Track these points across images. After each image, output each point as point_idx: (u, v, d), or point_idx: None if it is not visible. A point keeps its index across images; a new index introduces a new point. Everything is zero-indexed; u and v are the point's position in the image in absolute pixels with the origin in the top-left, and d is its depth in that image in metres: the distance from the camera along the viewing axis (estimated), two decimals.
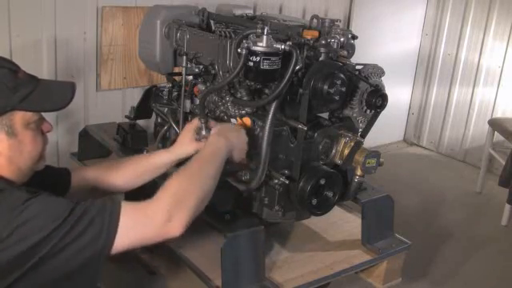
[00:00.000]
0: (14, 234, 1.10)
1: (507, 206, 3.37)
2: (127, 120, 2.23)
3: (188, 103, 1.91)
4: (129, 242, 1.20)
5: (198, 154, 1.43)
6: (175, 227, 1.22)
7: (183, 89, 1.88)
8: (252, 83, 1.59)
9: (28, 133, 1.25)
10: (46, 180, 1.42)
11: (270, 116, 1.54)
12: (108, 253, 1.18)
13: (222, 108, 1.77)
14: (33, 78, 1.28)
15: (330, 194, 1.66)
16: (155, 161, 1.65)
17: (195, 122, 1.68)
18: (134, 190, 1.81)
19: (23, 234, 1.11)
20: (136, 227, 1.21)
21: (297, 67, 1.51)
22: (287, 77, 1.47)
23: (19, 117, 1.22)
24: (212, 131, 1.57)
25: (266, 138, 1.56)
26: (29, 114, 1.24)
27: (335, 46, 1.66)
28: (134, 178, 1.64)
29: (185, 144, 1.67)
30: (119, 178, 1.61)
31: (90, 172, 1.61)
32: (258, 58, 1.47)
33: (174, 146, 1.69)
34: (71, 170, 1.59)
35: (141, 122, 2.25)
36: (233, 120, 1.71)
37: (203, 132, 1.66)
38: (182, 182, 1.30)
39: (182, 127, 1.91)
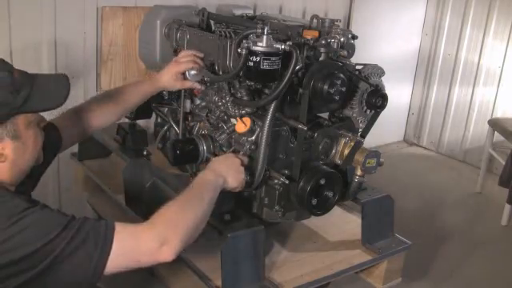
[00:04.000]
0: (7, 243, 1.09)
1: (507, 206, 3.36)
2: (127, 120, 2.23)
3: (188, 103, 1.91)
4: (121, 265, 1.20)
5: (191, 184, 1.43)
6: (167, 253, 1.22)
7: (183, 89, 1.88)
8: (252, 83, 1.60)
9: (30, 132, 1.25)
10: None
11: (270, 116, 1.54)
12: (100, 274, 1.16)
13: (222, 108, 1.77)
14: (27, 76, 1.25)
15: (330, 194, 1.66)
16: (142, 92, 1.74)
17: (189, 64, 1.73)
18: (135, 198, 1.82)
19: (16, 243, 1.10)
20: (129, 251, 1.20)
21: (297, 67, 1.51)
22: (287, 77, 1.47)
23: (22, 119, 1.22)
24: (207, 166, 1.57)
25: (264, 138, 1.56)
26: (29, 115, 1.24)
27: (335, 46, 1.66)
28: (114, 116, 1.73)
29: (169, 78, 1.74)
30: (101, 118, 1.69)
31: (72, 119, 1.63)
32: (258, 58, 1.47)
33: (160, 75, 1.76)
34: (56, 124, 1.58)
35: (141, 122, 2.25)
36: (233, 120, 1.71)
37: (192, 72, 1.72)
38: (177, 209, 1.31)
39: (183, 127, 1.91)
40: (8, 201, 1.16)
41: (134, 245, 1.20)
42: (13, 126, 1.20)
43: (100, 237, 1.16)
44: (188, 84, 1.75)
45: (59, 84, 1.30)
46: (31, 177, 1.37)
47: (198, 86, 1.77)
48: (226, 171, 1.50)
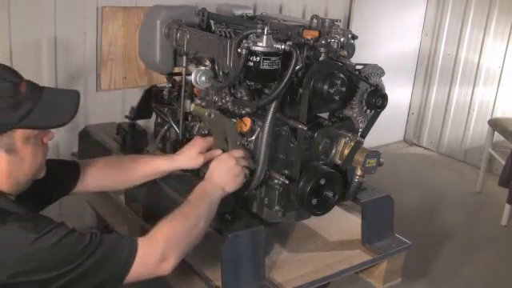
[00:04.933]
0: (20, 276, 1.10)
1: (507, 206, 3.37)
2: (127, 120, 2.23)
3: (188, 103, 1.91)
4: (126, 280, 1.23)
5: (190, 197, 1.44)
6: (166, 267, 1.28)
7: (183, 89, 1.88)
8: (252, 83, 1.59)
9: (28, 148, 1.22)
10: (54, 175, 1.42)
11: (270, 116, 1.54)
12: None
13: (222, 108, 1.77)
14: (35, 90, 1.22)
15: (330, 194, 1.66)
16: (155, 167, 1.67)
17: (208, 140, 1.68)
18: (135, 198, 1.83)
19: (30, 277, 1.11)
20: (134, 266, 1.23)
21: (297, 67, 1.51)
22: (287, 77, 1.47)
23: (19, 134, 1.19)
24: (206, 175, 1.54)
25: (265, 138, 1.56)
26: (29, 131, 1.20)
27: (335, 46, 1.66)
28: (130, 181, 1.67)
29: (191, 157, 1.66)
30: (117, 180, 1.65)
31: (93, 172, 1.60)
32: (258, 58, 1.47)
33: (179, 156, 1.68)
34: (80, 166, 1.58)
35: (141, 122, 2.25)
36: (233, 120, 1.71)
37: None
38: (177, 224, 1.33)
39: (182, 127, 1.91)
40: (13, 224, 1.14)
41: (138, 259, 1.23)
42: (9, 139, 1.18)
43: (116, 255, 1.21)
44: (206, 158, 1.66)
45: (68, 102, 1.26)
46: (33, 190, 1.33)
47: (218, 153, 1.64)
48: (223, 180, 1.50)
